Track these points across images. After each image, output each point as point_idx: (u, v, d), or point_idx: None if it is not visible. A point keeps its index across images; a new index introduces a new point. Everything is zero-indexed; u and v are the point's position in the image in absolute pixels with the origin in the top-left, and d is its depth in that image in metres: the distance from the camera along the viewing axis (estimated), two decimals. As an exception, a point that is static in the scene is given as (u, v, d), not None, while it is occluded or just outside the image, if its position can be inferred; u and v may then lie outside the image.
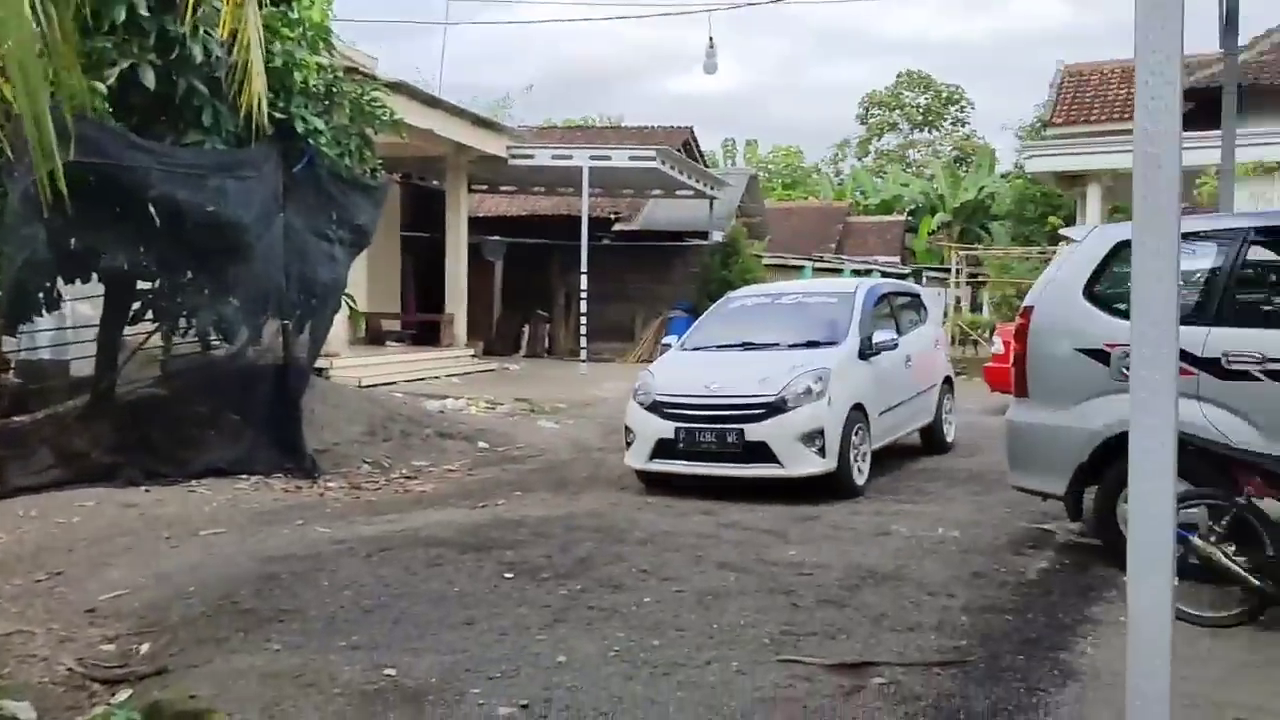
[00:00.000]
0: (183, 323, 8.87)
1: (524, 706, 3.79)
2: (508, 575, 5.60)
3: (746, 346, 8.99)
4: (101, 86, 7.16)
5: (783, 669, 4.18)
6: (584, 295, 18.12)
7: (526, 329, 22.56)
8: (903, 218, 39.48)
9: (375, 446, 9.88)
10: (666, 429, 8.11)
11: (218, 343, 8.97)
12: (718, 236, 23.05)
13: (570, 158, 19.03)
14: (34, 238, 7.18)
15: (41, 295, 8.08)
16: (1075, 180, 18.39)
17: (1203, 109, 13.50)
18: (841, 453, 7.94)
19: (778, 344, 8.85)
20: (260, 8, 6.75)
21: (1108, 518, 5.76)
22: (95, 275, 8.39)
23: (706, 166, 26.89)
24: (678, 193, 22.68)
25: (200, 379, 9.36)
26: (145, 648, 4.52)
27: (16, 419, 8.74)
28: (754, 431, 7.84)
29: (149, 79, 7.40)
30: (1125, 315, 2.77)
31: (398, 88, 13.19)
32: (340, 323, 11.13)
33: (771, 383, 7.98)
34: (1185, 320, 5.27)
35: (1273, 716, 3.72)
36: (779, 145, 57.13)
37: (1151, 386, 2.66)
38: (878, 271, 25.60)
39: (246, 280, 8.59)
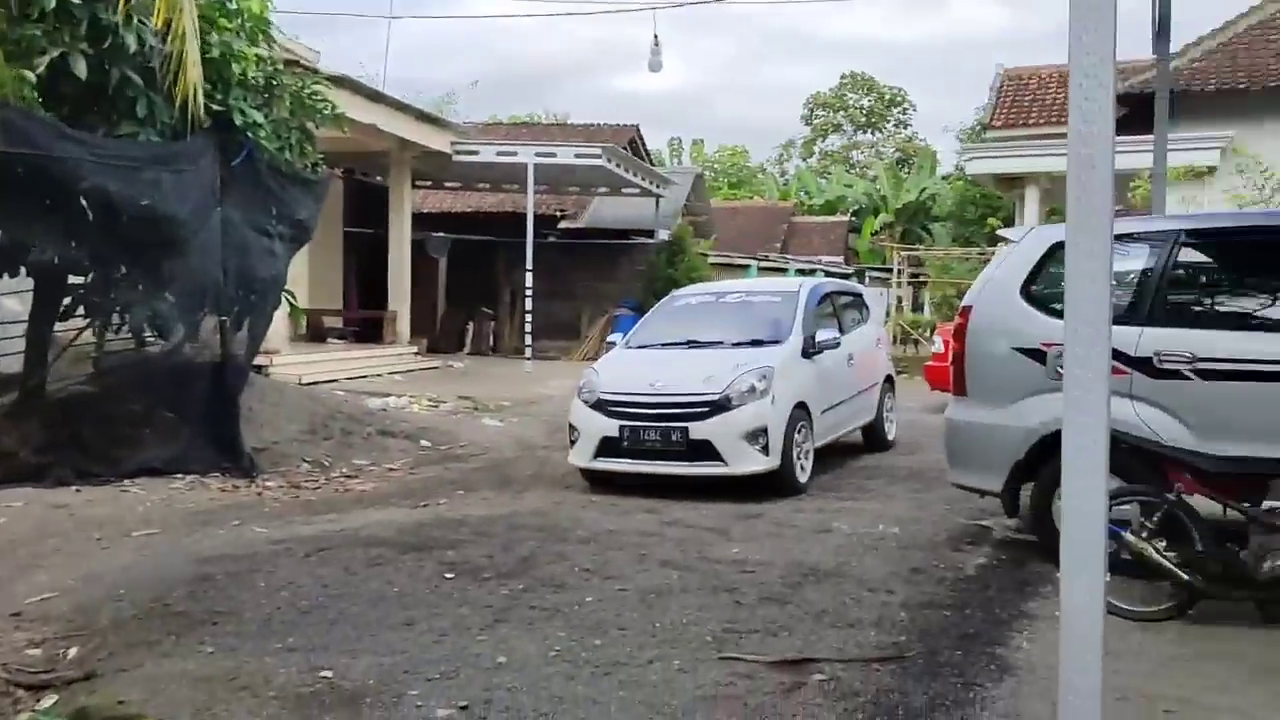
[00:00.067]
0: (116, 319, 8.67)
1: (463, 708, 3.74)
2: (449, 575, 5.55)
3: (691, 345, 9.01)
4: (31, 75, 6.97)
5: (724, 667, 4.18)
6: (529, 293, 18.03)
7: (471, 326, 22.41)
8: (846, 218, 39.86)
9: (315, 445, 9.74)
10: (611, 427, 8.09)
11: (153, 339, 8.77)
12: (664, 235, 23.08)
13: (515, 154, 18.92)
14: (-42, 230, 6.97)
15: (-34, 290, 7.85)
16: (1014, 182, 18.70)
17: (1137, 114, 13.80)
18: (785, 450, 7.98)
19: (722, 342, 8.88)
20: (196, -3, 6.61)
21: (1043, 514, 5.86)
22: (24, 269, 8.16)
23: (653, 165, 26.90)
24: (624, 191, 22.67)
25: (134, 376, 9.13)
26: (73, 652, 4.39)
27: (-60, 417, 8.47)
28: (698, 429, 7.85)
29: (80, 68, 7.20)
30: (1061, 315, 2.81)
31: (340, 82, 13.01)
32: (280, 319, 10.95)
33: (716, 381, 8.00)
34: (1118, 320, 5.37)
35: (1201, 709, 3.80)
36: (725, 145, 57.54)
37: (1084, 385, 2.70)
38: (822, 271, 25.82)
39: (182, 275, 8.41)
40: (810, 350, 8.78)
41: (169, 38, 6.04)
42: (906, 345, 23.07)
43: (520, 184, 19.52)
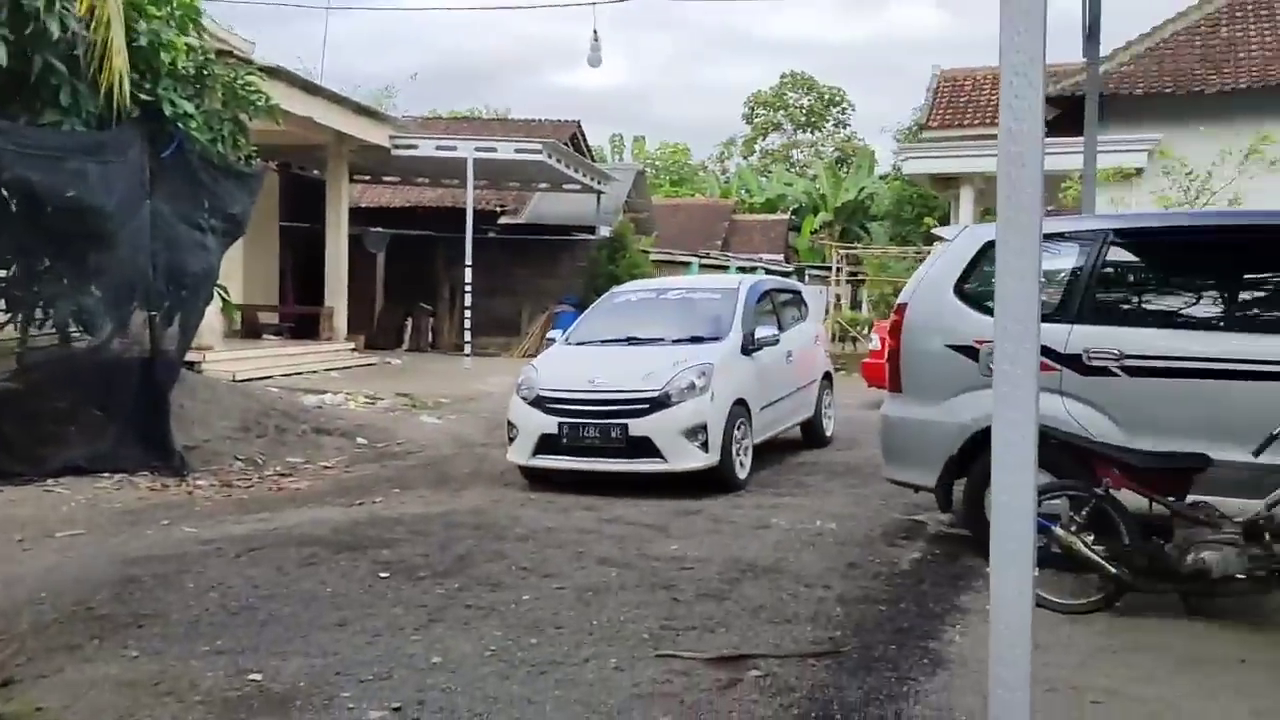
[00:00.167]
0: (40, 313, 8.42)
1: (396, 709, 3.69)
2: (383, 574, 5.47)
3: (631, 341, 9.00)
4: (-53, 62, 6.74)
5: (661, 664, 4.17)
6: (468, 289, 17.87)
7: (409, 322, 22.16)
8: (786, 216, 40.18)
9: (248, 443, 9.56)
10: (550, 424, 8.05)
11: (79, 334, 8.54)
12: (605, 231, 23.04)
13: (455, 149, 18.72)
14: None
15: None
16: (949, 182, 18.98)
17: (1068, 116, 14.11)
18: (724, 447, 8.01)
19: (662, 339, 8.88)
20: (123, -17, 6.44)
21: (976, 509, 5.94)
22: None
23: (594, 161, 26.85)
24: (565, 187, 22.58)
25: (59, 372, 8.87)
26: (-10, 657, 4.25)
27: None
28: (638, 426, 7.84)
29: (0, 55, 6.97)
30: (993, 313, 2.84)
31: (275, 73, 12.77)
32: (213, 315, 10.74)
33: (655, 378, 8.00)
34: (1048, 318, 5.49)
35: (1127, 700, 3.88)
36: (666, 142, 57.64)
37: (1014, 381, 2.73)
38: (762, 269, 25.98)
39: (109, 269, 8.21)
40: (749, 347, 8.82)
41: (93, 24, 5.86)
42: (845, 343, 23.30)
43: (460, 179, 19.33)
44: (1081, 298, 5.88)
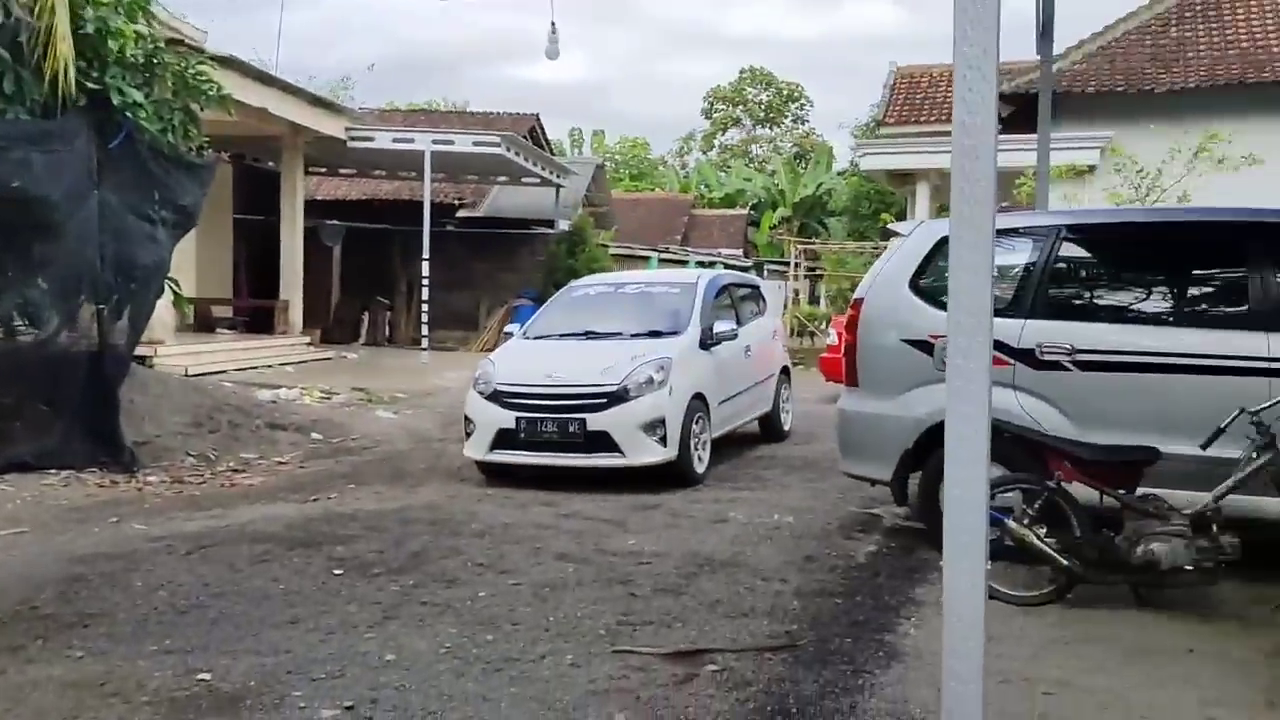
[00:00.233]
0: (-17, 306, 8.22)
1: (349, 708, 3.64)
2: (337, 571, 5.41)
3: (589, 335, 8.97)
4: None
5: (617, 660, 4.16)
6: (426, 282, 17.73)
7: (366, 317, 21.92)
8: (745, 212, 40.29)
9: (201, 438, 9.41)
10: (507, 419, 8.00)
11: (24, 328, 8.35)
12: (564, 225, 22.94)
13: (412, 141, 18.54)
14: None
15: None
16: (906, 178, 19.13)
17: (1022, 114, 14.25)
18: (682, 441, 8.00)
19: (620, 333, 8.86)
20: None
21: (931, 502, 5.97)
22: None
23: (553, 155, 26.73)
24: (523, 180, 22.45)
25: (4, 367, 8.65)
26: (-71, 659, 4.14)
27: None
28: (596, 421, 7.82)
29: (-60, 41, 6.80)
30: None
31: (227, 62, 12.57)
32: (164, 308, 10.55)
33: (614, 372, 7.97)
34: (1002, 313, 5.54)
35: (1078, 690, 3.92)
36: (626, 136, 57.55)
37: (967, 375, 2.75)
38: (721, 264, 26.03)
39: (56, 261, 8.05)
40: (708, 342, 8.82)
41: (37, 10, 5.72)
42: (803, 337, 23.44)
43: (417, 172, 19.15)
44: (1034, 293, 5.94)
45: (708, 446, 8.52)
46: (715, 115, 58.04)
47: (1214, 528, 4.83)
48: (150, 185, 8.65)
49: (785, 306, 24.14)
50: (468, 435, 8.34)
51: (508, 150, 18.67)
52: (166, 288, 9.23)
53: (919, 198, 18.24)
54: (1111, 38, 16.94)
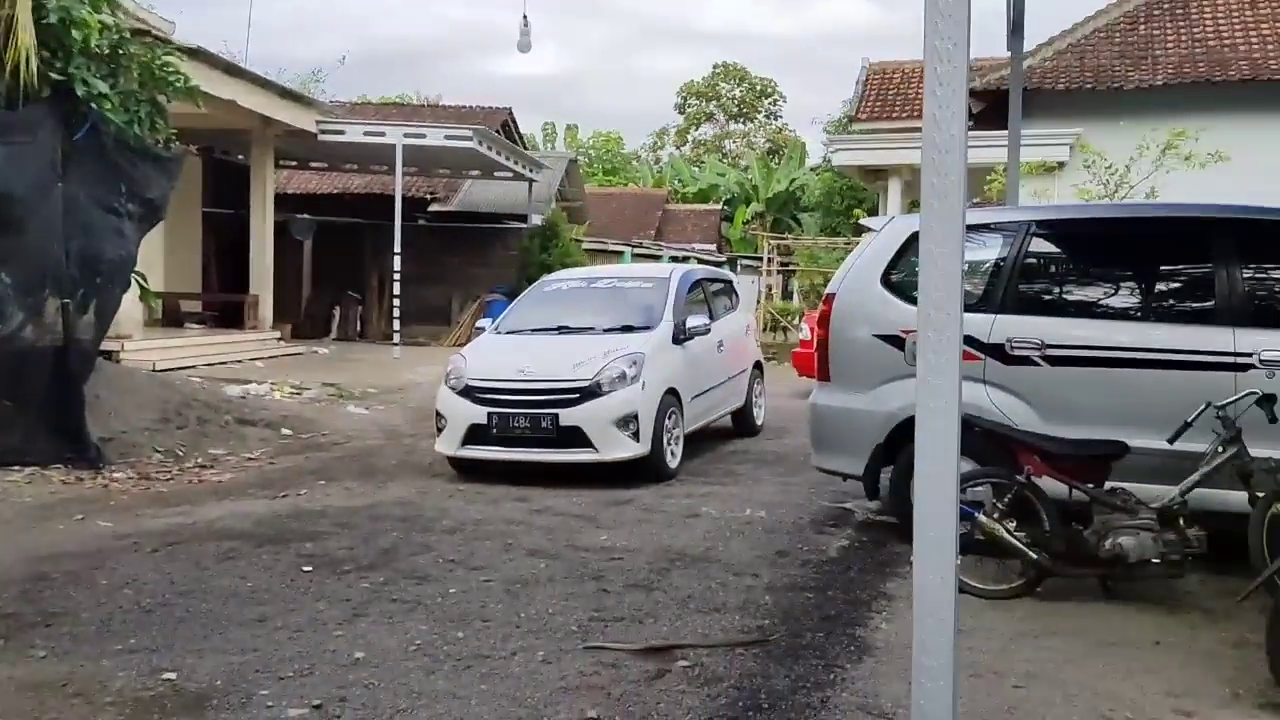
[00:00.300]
0: (-57, 301, 8.08)
1: (316, 707, 3.60)
2: (306, 569, 5.36)
3: (561, 330, 8.94)
4: None
5: (589, 656, 4.14)
6: (397, 277, 17.62)
7: (337, 311, 21.76)
8: (719, 207, 40.30)
9: (168, 434, 9.30)
10: (479, 414, 7.96)
11: (-14, 323, 8.21)
12: (537, 220, 22.85)
13: (384, 135, 18.38)
14: None
15: None
16: (878, 174, 19.17)
17: (993, 110, 14.31)
18: (655, 436, 7.99)
19: (592, 328, 8.83)
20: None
21: (902, 496, 5.98)
22: None
23: (526, 149, 26.62)
24: (496, 174, 22.34)
25: (-34, 362, 8.55)
26: (-114, 660, 4.07)
27: None
28: (568, 416, 7.79)
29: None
30: (917, 302, 2.85)
31: (195, 54, 12.42)
32: (132, 303, 10.42)
33: (586, 367, 7.95)
34: (972, 308, 5.57)
35: (1047, 683, 3.94)
36: (599, 131, 57.40)
37: (937, 370, 2.75)
38: (695, 259, 26.02)
39: (19, 255, 7.93)
40: (681, 336, 8.81)
41: (-1, -1, 5.64)
42: (776, 332, 23.47)
43: (389, 165, 19.02)
44: (1004, 288, 5.97)
45: (680, 441, 8.52)
46: (689, 110, 58.04)
47: (1180, 521, 4.88)
48: (116, 178, 8.55)
49: (758, 301, 24.17)
50: (439, 430, 8.29)
51: (480, 144, 18.57)
52: (133, 282, 9.12)
53: (891, 193, 18.30)
54: (1081, 35, 17.06)
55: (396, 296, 17.75)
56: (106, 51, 8.36)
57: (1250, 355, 5.32)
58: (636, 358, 8.07)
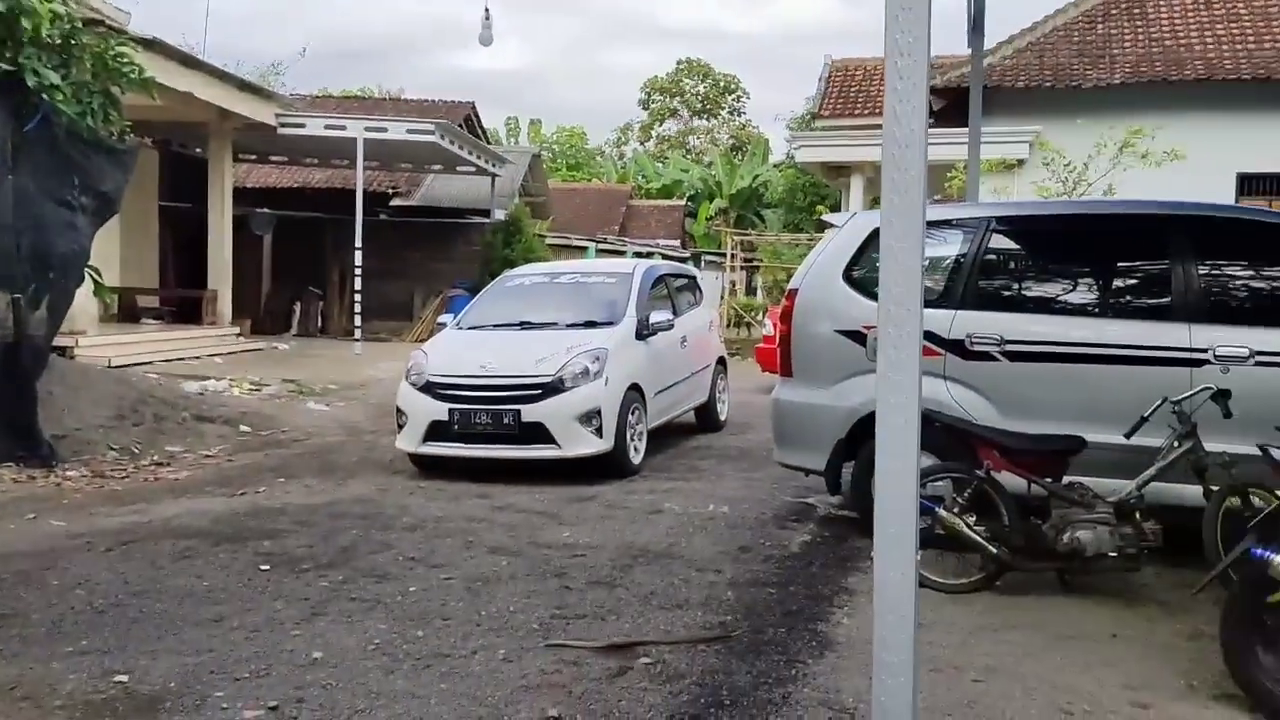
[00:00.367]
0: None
1: (273, 708, 3.55)
2: (264, 567, 5.29)
3: (524, 326, 8.89)
4: None
5: (550, 654, 4.12)
6: (358, 272, 17.47)
7: (298, 307, 21.52)
8: (683, 202, 40.35)
9: (124, 431, 9.14)
10: (440, 410, 7.90)
11: (-67, 318, 8.04)
12: (500, 215, 22.74)
13: (344, 128, 18.21)
14: None
15: None
16: (840, 171, 19.26)
17: (954, 107, 14.43)
18: (618, 432, 7.97)
19: (555, 323, 8.79)
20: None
21: (863, 492, 6.02)
22: None
23: (489, 144, 26.49)
24: (459, 169, 22.21)
25: (-87, 359, 8.35)
26: None
27: None
28: (531, 412, 7.75)
29: None
30: (878, 297, 2.85)
31: (151, 44, 12.22)
32: (86, 298, 10.23)
33: (549, 363, 7.91)
34: (933, 303, 5.59)
35: (1006, 676, 3.97)
36: (563, 126, 57.25)
37: (897, 365, 2.75)
38: (659, 254, 26.02)
39: (-34, 249, 7.73)
40: (644, 332, 8.79)
41: (-55, -13, 5.51)
42: (739, 328, 23.53)
43: (350, 160, 18.83)
44: (964, 284, 6.00)
45: (644, 437, 8.50)
46: (653, 106, 58.03)
47: (1137, 515, 4.94)
48: (68, 170, 8.39)
49: (722, 297, 24.22)
50: (400, 427, 8.21)
51: (442, 138, 18.45)
52: (87, 276, 8.95)
53: (853, 190, 18.40)
54: (1040, 34, 17.23)
55: (358, 292, 17.60)
56: (58, 41, 8.19)
57: (1205, 351, 5.39)
58: (599, 353, 8.04)
